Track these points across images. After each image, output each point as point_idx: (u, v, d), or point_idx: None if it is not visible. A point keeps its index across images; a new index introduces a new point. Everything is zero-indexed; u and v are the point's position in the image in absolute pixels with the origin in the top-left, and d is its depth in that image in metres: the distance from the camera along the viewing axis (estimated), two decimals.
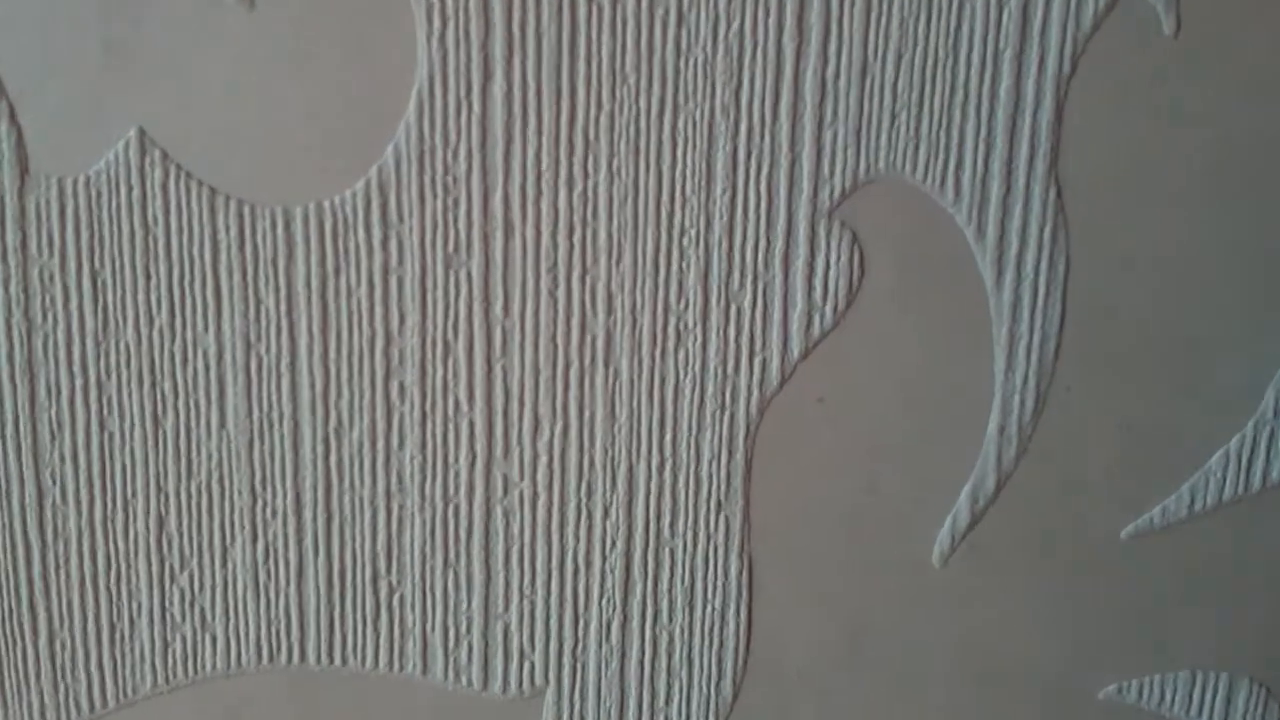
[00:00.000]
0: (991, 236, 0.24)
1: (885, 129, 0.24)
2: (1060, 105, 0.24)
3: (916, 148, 0.24)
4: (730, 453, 0.26)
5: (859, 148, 0.24)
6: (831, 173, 0.24)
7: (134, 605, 0.26)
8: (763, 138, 0.24)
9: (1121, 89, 0.24)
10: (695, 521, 0.26)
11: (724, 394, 0.25)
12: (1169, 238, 0.25)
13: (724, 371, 0.25)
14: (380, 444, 0.26)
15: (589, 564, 0.26)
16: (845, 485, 0.26)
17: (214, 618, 0.26)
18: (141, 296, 0.24)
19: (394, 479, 0.26)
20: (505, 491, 0.26)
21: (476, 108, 0.24)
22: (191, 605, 0.26)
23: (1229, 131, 0.24)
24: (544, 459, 0.26)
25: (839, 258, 0.25)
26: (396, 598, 0.26)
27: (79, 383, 0.25)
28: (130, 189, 0.24)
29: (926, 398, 0.25)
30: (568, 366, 0.25)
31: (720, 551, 0.26)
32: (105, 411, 0.25)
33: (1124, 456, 0.26)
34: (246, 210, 0.24)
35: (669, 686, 0.27)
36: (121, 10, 0.23)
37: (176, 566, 0.26)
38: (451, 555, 0.26)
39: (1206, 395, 0.25)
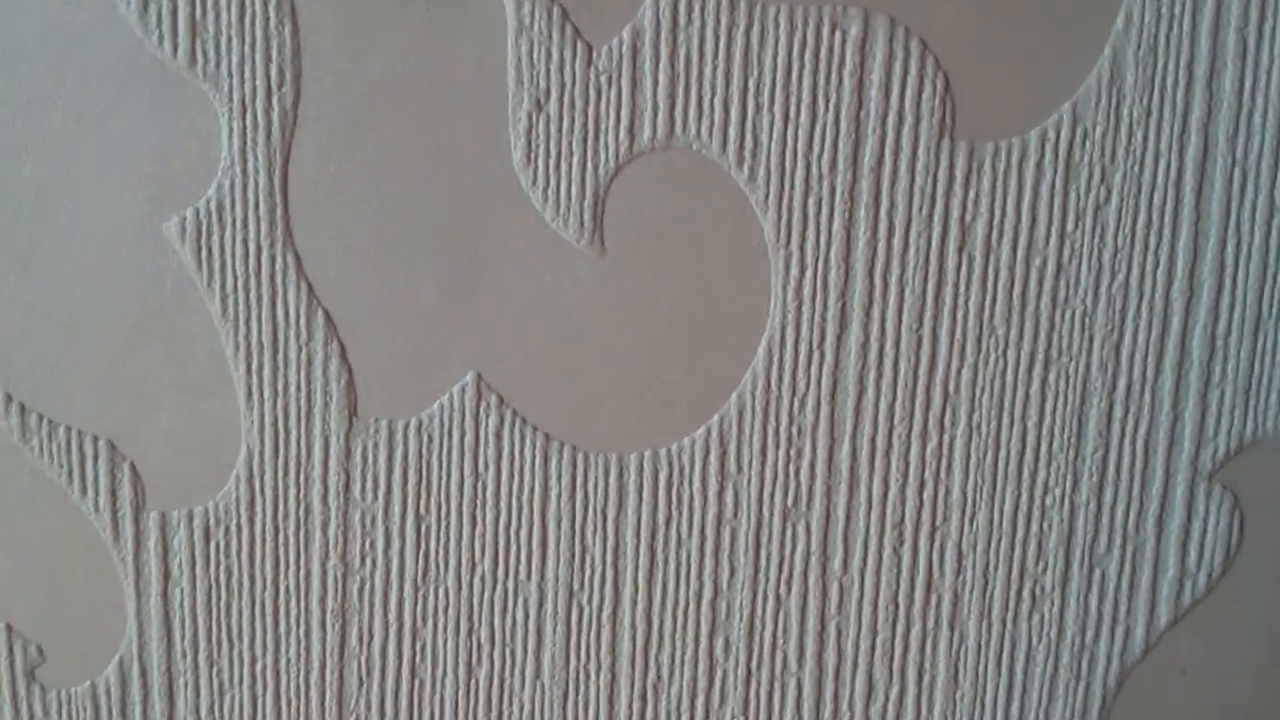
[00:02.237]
0: None
1: (1278, 388, 0.21)
2: None
3: None
4: None
5: (1246, 409, 0.21)
6: (1215, 433, 0.21)
7: None
8: (1142, 394, 0.21)
9: None
10: None
11: (1080, 663, 0.22)
12: None
13: (1082, 639, 0.22)
14: (700, 701, 0.22)
15: None
16: None
17: None
18: (465, 543, 0.22)
19: None
20: None
21: (829, 358, 0.21)
22: None
23: None
24: None
25: (1218, 522, 0.21)
26: None
27: (393, 629, 0.22)
28: (463, 434, 0.22)
29: None
30: (909, 628, 0.22)
31: None
32: (418, 659, 0.22)
33: None
34: (579, 457, 0.22)
35: None
36: (464, 248, 0.21)
37: None
38: None
39: None
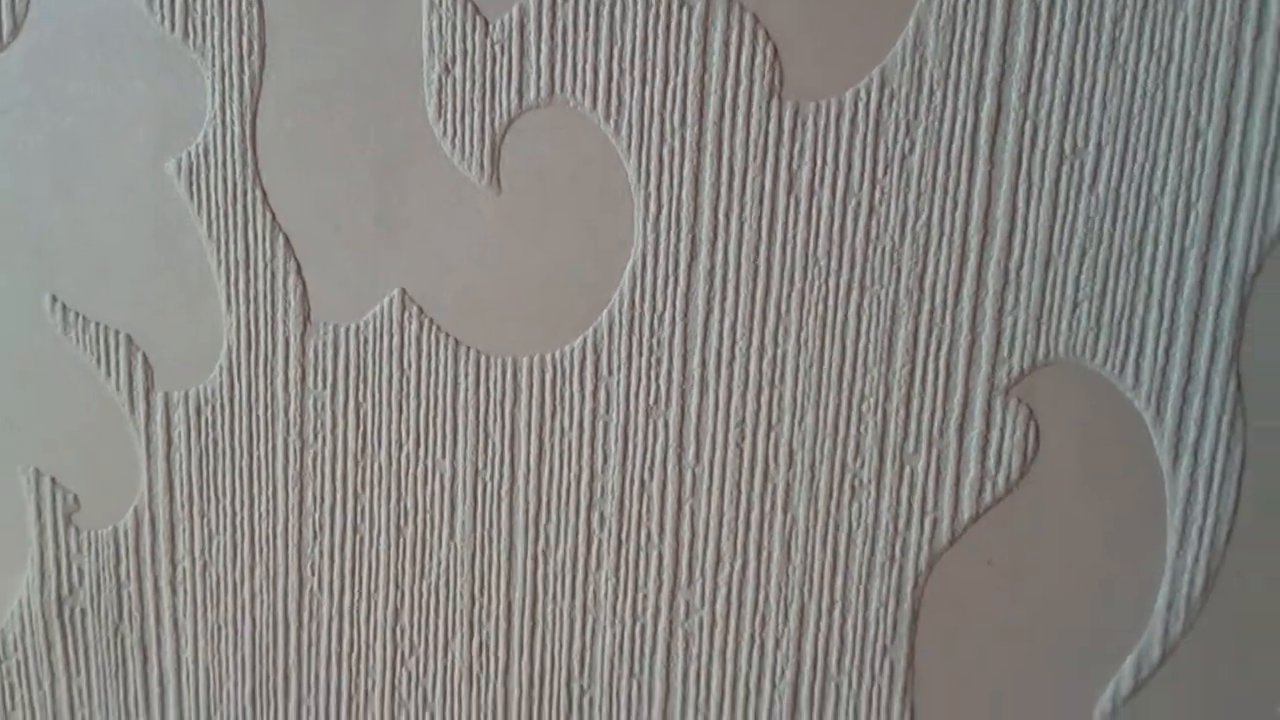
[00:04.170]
0: (1170, 422, 0.22)
1: (1066, 317, 0.22)
2: (1244, 302, 0.22)
3: (1097, 336, 0.22)
4: (898, 601, 0.24)
5: (1039, 333, 0.23)
6: (1010, 354, 0.23)
7: (369, 682, 0.27)
8: (944, 318, 0.23)
9: None
10: (861, 662, 0.25)
11: (894, 546, 0.24)
12: None
13: (895, 526, 0.24)
14: (580, 565, 0.26)
15: (759, 690, 0.26)
16: (1010, 644, 0.24)
17: (434, 699, 0.27)
18: (394, 426, 0.26)
19: (590, 596, 0.26)
20: (687, 616, 0.25)
21: (682, 282, 0.24)
22: (415, 686, 0.27)
23: None
24: (723, 590, 0.25)
25: (1014, 431, 0.23)
26: (586, 699, 0.26)
27: (339, 493, 0.26)
28: (391, 338, 0.25)
29: (1096, 568, 0.23)
30: (749, 510, 0.25)
31: (884, 693, 0.25)
32: (359, 518, 0.26)
33: None
34: (483, 359, 0.25)
35: None
36: (392, 190, 0.24)
37: (406, 652, 0.27)
38: (636, 667, 0.26)
39: None
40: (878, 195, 0.23)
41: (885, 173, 0.22)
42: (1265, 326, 0.22)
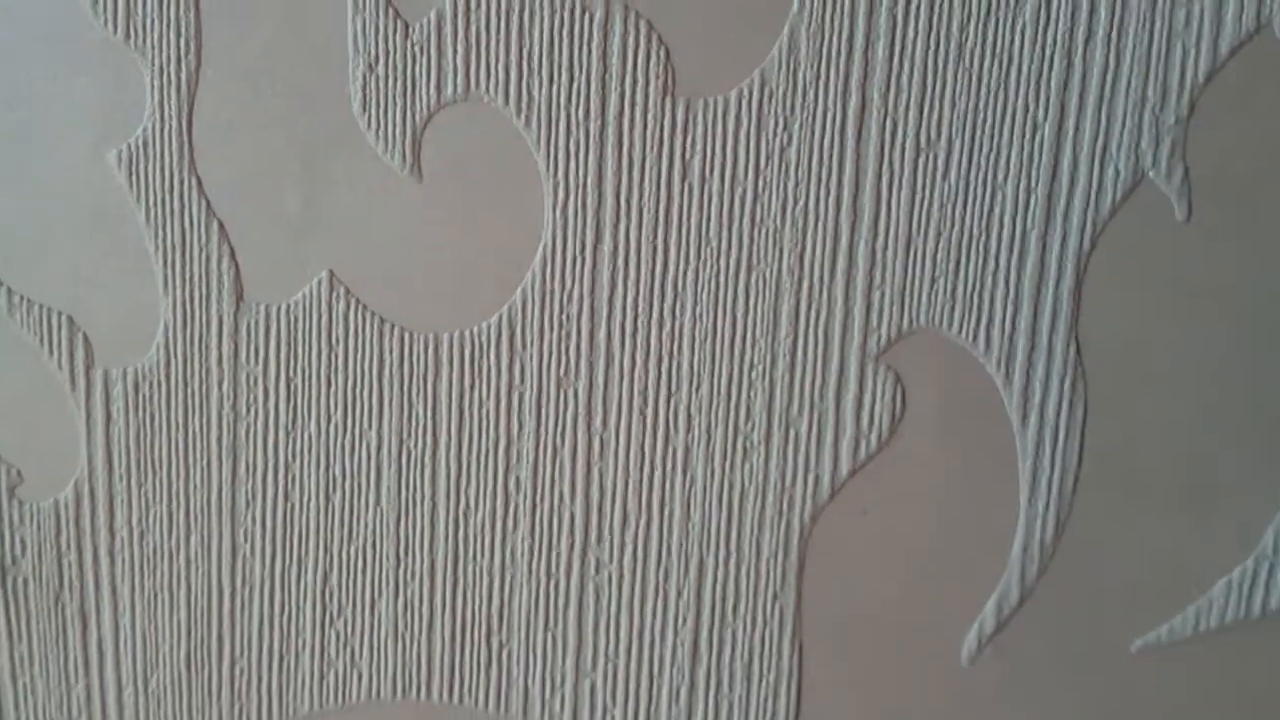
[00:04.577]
0: (1018, 384, 0.25)
1: (926, 291, 0.25)
2: (1080, 277, 0.24)
3: (953, 307, 0.25)
4: (786, 552, 0.27)
5: (903, 306, 0.25)
6: (879, 324, 0.25)
7: (299, 642, 0.29)
8: (821, 293, 0.25)
9: (1136, 263, 0.24)
10: (754, 608, 0.27)
11: (782, 502, 0.26)
12: (1180, 390, 0.25)
13: (783, 483, 0.26)
14: (499, 525, 0.28)
15: (663, 637, 0.27)
16: (886, 587, 0.26)
17: (361, 657, 0.29)
18: (322, 399, 0.27)
19: (508, 555, 0.28)
20: (597, 571, 0.27)
21: (589, 262, 0.26)
22: (344, 646, 0.29)
23: (1233, 302, 0.24)
24: (630, 547, 0.27)
25: (884, 394, 0.25)
26: (505, 652, 0.28)
27: (270, 463, 0.28)
28: (320, 316, 0.27)
29: (960, 517, 0.26)
30: (653, 472, 0.27)
31: (775, 636, 0.27)
32: (289, 486, 0.28)
33: (1135, 579, 0.26)
34: (406, 335, 0.27)
35: None
36: (320, 179, 0.26)
37: (334, 613, 0.28)
38: (551, 621, 0.28)
39: (1213, 529, 0.25)
40: (761, 184, 0.25)
41: (767, 163, 0.25)
42: (1099, 298, 0.24)
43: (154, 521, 0.29)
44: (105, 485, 0.28)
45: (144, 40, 0.26)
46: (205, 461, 0.28)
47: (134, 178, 0.27)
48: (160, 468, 0.28)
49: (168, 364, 0.28)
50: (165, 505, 0.28)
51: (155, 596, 0.29)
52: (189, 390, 0.28)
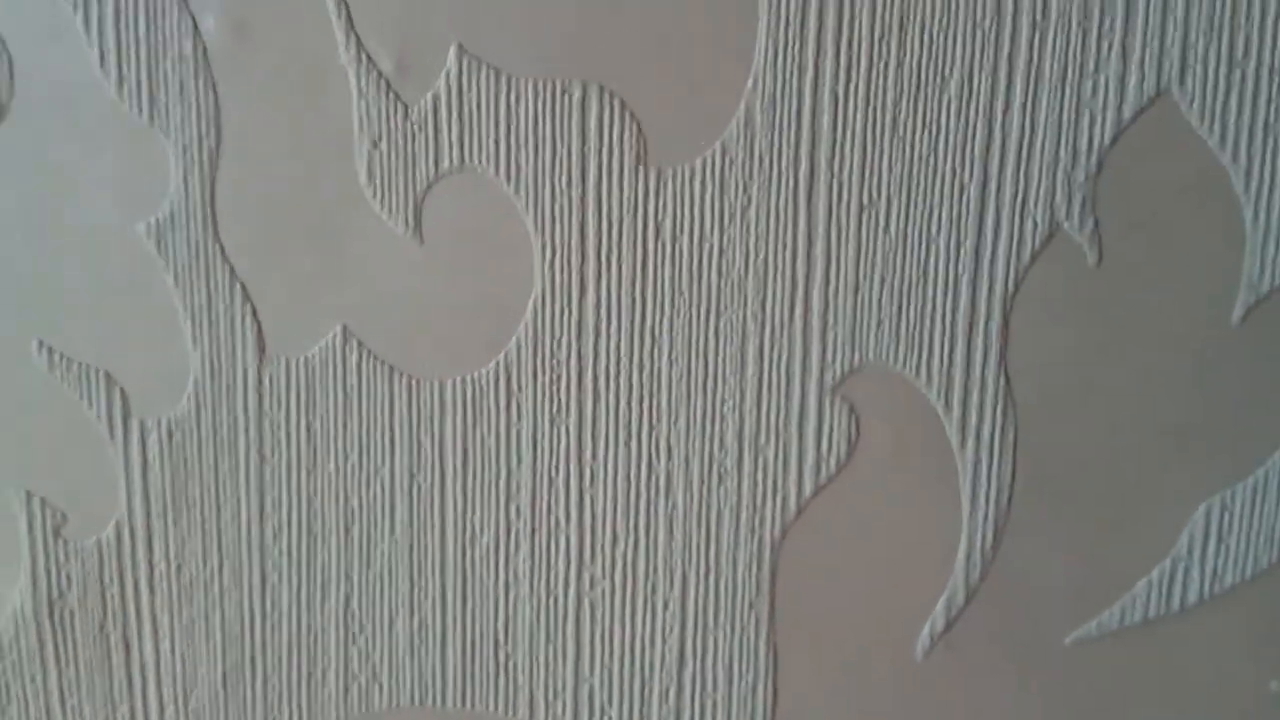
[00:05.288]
0: (956, 411, 0.28)
1: (873, 331, 0.28)
2: (1007, 315, 0.27)
3: (897, 345, 0.28)
4: (759, 565, 0.29)
5: (853, 344, 0.28)
6: (833, 361, 0.28)
7: (325, 660, 0.31)
8: (782, 335, 0.28)
9: (1055, 302, 0.27)
10: (733, 616, 0.30)
11: (754, 520, 0.29)
12: (1098, 411, 0.28)
13: (754, 504, 0.29)
14: (502, 549, 0.30)
15: (653, 644, 0.30)
16: (849, 592, 0.29)
17: (381, 671, 0.31)
18: (339, 441, 0.30)
19: (511, 575, 0.30)
20: (592, 587, 0.30)
21: (575, 313, 0.28)
22: (365, 661, 0.31)
23: (1139, 333, 0.27)
24: (620, 564, 0.30)
25: (840, 423, 0.28)
26: (511, 662, 0.31)
27: (294, 500, 0.30)
28: (335, 367, 0.29)
29: (910, 529, 0.29)
30: (638, 497, 0.29)
31: (752, 640, 0.30)
32: (312, 520, 0.30)
33: (1067, 580, 0.29)
34: (413, 382, 0.29)
35: None
36: (331, 240, 0.29)
37: (356, 633, 0.31)
38: (552, 632, 0.30)
39: (1133, 534, 0.28)
40: (725, 240, 0.28)
41: (730, 222, 0.28)
42: (1024, 333, 0.27)
43: (189, 555, 0.31)
44: (144, 524, 0.31)
45: (167, 122, 0.29)
46: (235, 500, 0.31)
47: (162, 245, 0.29)
48: (194, 506, 0.31)
49: (198, 413, 0.30)
50: (199, 540, 0.31)
51: (192, 623, 0.31)
52: (218, 436, 0.30)
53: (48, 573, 0.32)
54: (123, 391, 0.31)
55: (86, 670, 0.32)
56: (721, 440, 0.29)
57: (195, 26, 0.28)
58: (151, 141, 0.29)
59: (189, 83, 0.28)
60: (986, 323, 0.28)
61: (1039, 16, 0.26)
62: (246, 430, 0.30)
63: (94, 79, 0.29)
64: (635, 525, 0.30)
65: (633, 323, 0.29)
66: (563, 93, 0.28)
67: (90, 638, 0.32)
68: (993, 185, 0.27)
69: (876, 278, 0.28)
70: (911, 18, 0.26)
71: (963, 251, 0.27)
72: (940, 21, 0.26)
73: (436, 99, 0.28)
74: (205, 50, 0.28)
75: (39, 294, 0.30)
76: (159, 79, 0.28)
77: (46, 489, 0.32)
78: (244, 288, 0.30)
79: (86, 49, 0.28)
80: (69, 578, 0.32)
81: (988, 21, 0.26)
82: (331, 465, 0.30)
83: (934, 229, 0.27)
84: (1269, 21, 0.26)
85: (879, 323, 0.28)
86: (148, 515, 0.31)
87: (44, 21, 0.29)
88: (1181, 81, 0.26)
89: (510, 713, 0.32)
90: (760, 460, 0.29)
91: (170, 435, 0.31)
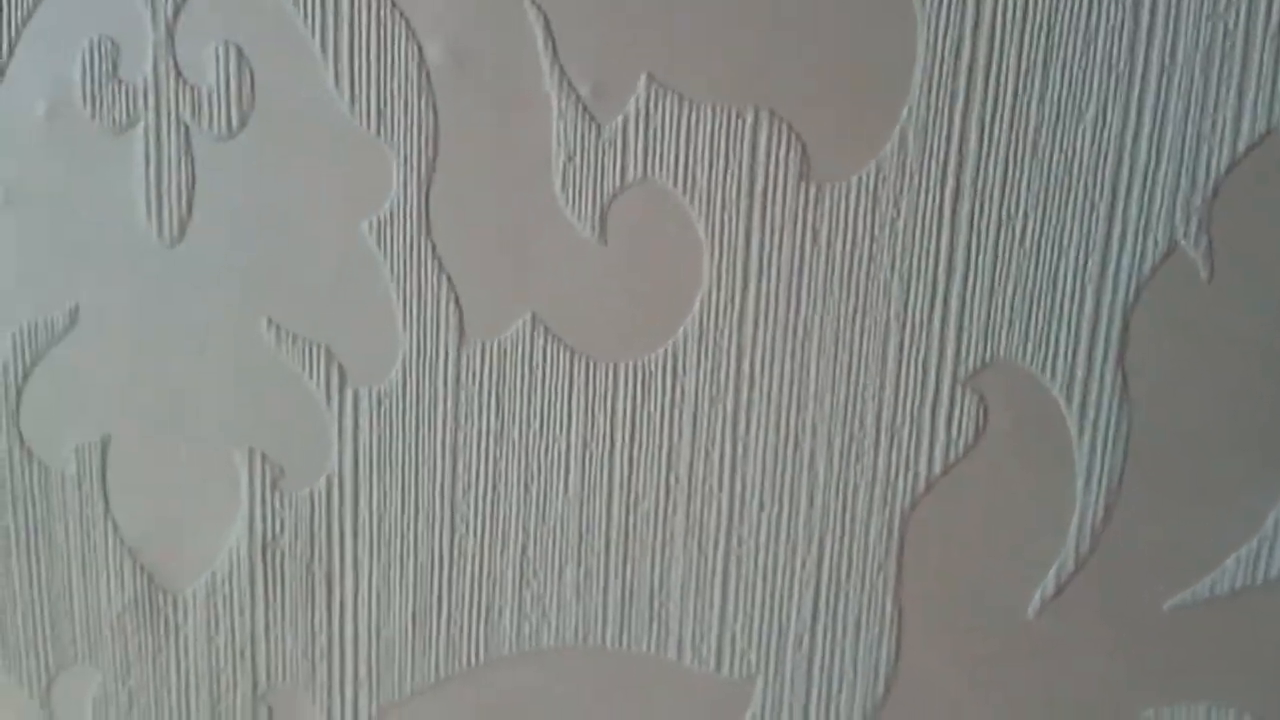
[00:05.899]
0: (1076, 404, 0.31)
1: (1005, 331, 0.31)
2: (1127, 321, 0.30)
3: (1026, 344, 0.31)
4: (890, 533, 0.33)
5: (986, 342, 0.31)
6: (967, 356, 0.31)
7: (501, 600, 0.36)
8: (921, 333, 0.31)
9: (1170, 311, 0.31)
10: (864, 575, 0.33)
11: (887, 493, 0.33)
12: (1201, 408, 0.31)
13: (888, 479, 0.33)
14: (660, 512, 0.34)
15: (790, 598, 0.34)
16: (969, 559, 0.33)
17: (551, 612, 0.35)
18: (524, 412, 0.34)
19: (668, 534, 0.34)
20: (739, 545, 0.34)
21: (737, 307, 0.32)
22: (536, 603, 0.36)
23: (1241, 341, 0.30)
24: (765, 527, 0.34)
25: (970, 411, 0.32)
26: (664, 610, 0.35)
27: (482, 462, 0.35)
28: (524, 349, 0.34)
29: (1028, 505, 0.32)
30: (784, 470, 0.33)
31: (879, 598, 0.34)
32: (497, 480, 0.35)
33: (1167, 555, 0.32)
34: (591, 363, 0.33)
35: (840, 684, 0.35)
36: (527, 241, 0.33)
37: (530, 578, 0.35)
38: (702, 585, 0.34)
39: (1227, 514, 0.31)
40: (875, 247, 0.31)
41: (881, 231, 0.31)
42: (1141, 338, 0.31)
43: (389, 507, 0.35)
44: (352, 478, 0.35)
45: (391, 134, 0.33)
46: (431, 460, 0.35)
47: (381, 241, 0.34)
48: (396, 466, 0.35)
49: (404, 385, 0.34)
50: (399, 495, 0.35)
51: (389, 566, 0.36)
52: (420, 406, 0.35)
53: (264, 519, 0.36)
54: (340, 366, 0.35)
55: (291, 604, 0.37)
56: (861, 422, 0.33)
57: (421, 53, 0.32)
58: (375, 150, 0.33)
59: (413, 101, 0.32)
60: (1108, 326, 0.31)
61: (1167, 60, 0.29)
62: (445, 401, 0.35)
63: (327, 94, 0.33)
64: (780, 494, 0.34)
65: (787, 318, 0.32)
66: (737, 117, 0.31)
67: (297, 577, 0.37)
68: (1120, 206, 0.30)
69: (1010, 284, 0.31)
70: (1054, 57, 0.29)
71: (1090, 263, 0.31)
72: (1080, 61, 0.29)
73: (626, 120, 0.32)
74: (429, 74, 0.32)
75: (271, 279, 0.35)
76: (386, 97, 0.32)
77: (267, 447, 0.36)
78: (450, 280, 0.34)
79: (322, 69, 0.33)
80: (282, 523, 0.36)
81: (1121, 63, 0.29)
82: (515, 433, 0.34)
83: (1065, 242, 0.31)
84: None
85: (1010, 323, 0.31)
86: (355, 471, 0.36)
87: (284, 44, 0.33)
88: None
89: (661, 653, 0.36)
90: (895, 441, 0.33)
91: (379, 403, 0.35)
